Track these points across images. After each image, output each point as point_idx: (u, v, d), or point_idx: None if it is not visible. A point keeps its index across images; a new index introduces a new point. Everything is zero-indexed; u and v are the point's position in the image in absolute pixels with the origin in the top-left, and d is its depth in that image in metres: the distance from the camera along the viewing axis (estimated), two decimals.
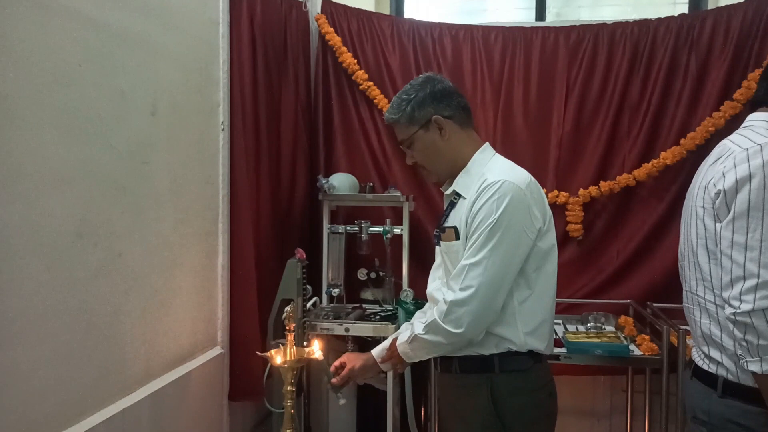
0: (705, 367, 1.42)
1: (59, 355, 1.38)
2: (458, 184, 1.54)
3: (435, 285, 1.63)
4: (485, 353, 1.46)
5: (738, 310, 1.25)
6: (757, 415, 1.29)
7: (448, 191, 1.58)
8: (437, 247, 1.64)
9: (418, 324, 1.51)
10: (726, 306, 1.29)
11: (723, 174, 1.33)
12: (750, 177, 1.27)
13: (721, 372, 1.36)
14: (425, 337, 1.46)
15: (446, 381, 1.59)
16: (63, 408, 1.39)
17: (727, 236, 1.30)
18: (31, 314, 1.30)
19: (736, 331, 1.27)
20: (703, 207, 1.40)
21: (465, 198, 1.50)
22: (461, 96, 1.57)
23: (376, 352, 1.66)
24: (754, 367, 1.25)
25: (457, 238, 1.49)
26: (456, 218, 1.52)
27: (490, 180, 1.43)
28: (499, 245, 1.39)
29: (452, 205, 1.56)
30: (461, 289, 1.40)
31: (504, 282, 1.41)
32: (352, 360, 1.66)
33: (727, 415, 1.34)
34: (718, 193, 1.34)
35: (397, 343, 1.56)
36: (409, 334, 1.52)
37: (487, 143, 1.59)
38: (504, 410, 1.43)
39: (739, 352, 1.28)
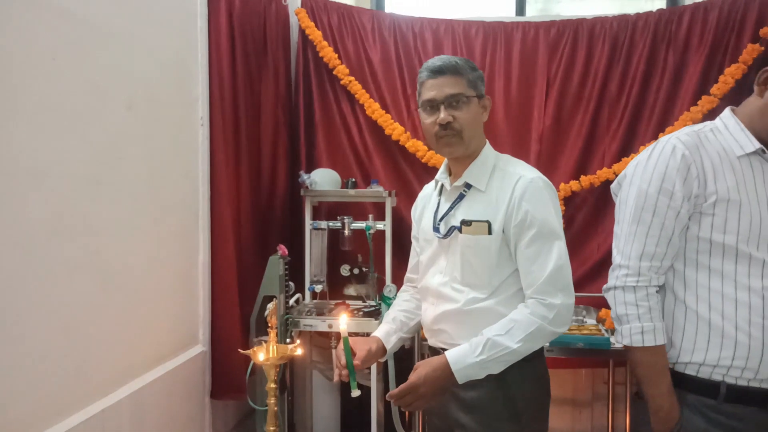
0: None
1: (35, 354, 1.35)
2: (470, 176, 1.50)
3: (438, 280, 1.53)
4: None
5: None
6: None
7: (458, 183, 1.52)
8: (437, 240, 1.54)
9: (502, 338, 1.37)
10: None
11: None
12: None
13: None
14: (522, 348, 1.38)
15: None
16: (40, 408, 1.36)
17: None
18: (5, 311, 1.27)
19: None
20: None
21: (482, 191, 1.48)
22: None
23: (382, 335, 1.58)
24: None
25: (490, 232, 1.44)
26: (480, 212, 1.46)
27: (529, 177, 1.44)
28: (561, 241, 1.43)
29: (461, 197, 1.51)
30: (562, 291, 1.41)
31: None
32: (364, 343, 1.53)
33: None
34: None
35: (457, 368, 1.37)
36: (486, 355, 1.37)
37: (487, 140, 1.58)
38: (516, 399, 1.43)
39: None
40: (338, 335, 2.51)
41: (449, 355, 1.40)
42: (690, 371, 1.37)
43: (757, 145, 1.35)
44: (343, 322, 1.44)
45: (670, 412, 1.38)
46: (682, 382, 1.38)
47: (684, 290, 1.39)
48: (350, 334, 1.45)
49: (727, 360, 1.32)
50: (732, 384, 1.32)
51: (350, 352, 1.42)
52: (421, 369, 1.41)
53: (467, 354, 1.38)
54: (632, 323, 1.40)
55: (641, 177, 1.41)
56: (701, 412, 1.34)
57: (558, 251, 1.41)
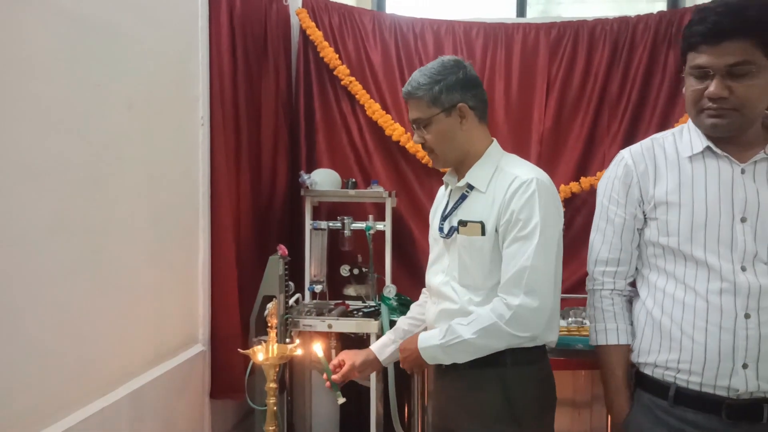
0: None
1: (35, 353, 1.35)
2: (472, 177, 1.50)
3: (439, 279, 1.55)
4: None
5: None
6: None
7: (460, 183, 1.53)
8: (442, 240, 1.56)
9: (460, 327, 1.42)
10: None
11: None
12: None
13: None
14: (478, 341, 1.40)
15: (451, 376, 1.52)
16: (39, 407, 1.36)
17: None
18: (5, 311, 1.27)
19: None
20: None
21: (482, 192, 1.47)
22: (483, 89, 1.54)
23: (376, 348, 1.64)
24: None
25: (483, 233, 1.45)
26: (476, 213, 1.47)
27: (524, 177, 1.42)
28: (548, 244, 1.39)
29: (463, 197, 1.52)
30: (526, 294, 1.36)
31: (557, 279, 1.43)
32: (351, 356, 1.63)
33: None
34: None
35: (422, 346, 1.47)
36: (445, 339, 1.43)
37: (495, 139, 1.57)
38: (516, 402, 1.43)
39: None
40: (337, 335, 2.53)
41: (421, 335, 1.51)
42: (647, 371, 1.40)
43: (706, 143, 1.34)
44: (318, 349, 1.65)
45: (619, 413, 1.45)
46: (641, 381, 1.43)
47: (646, 293, 1.43)
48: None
49: (674, 363, 1.34)
50: (683, 387, 1.32)
51: (329, 370, 1.62)
52: (407, 339, 1.58)
53: (433, 337, 1.47)
54: (590, 324, 1.52)
55: (600, 188, 1.53)
56: (653, 412, 1.37)
57: (532, 252, 1.37)
